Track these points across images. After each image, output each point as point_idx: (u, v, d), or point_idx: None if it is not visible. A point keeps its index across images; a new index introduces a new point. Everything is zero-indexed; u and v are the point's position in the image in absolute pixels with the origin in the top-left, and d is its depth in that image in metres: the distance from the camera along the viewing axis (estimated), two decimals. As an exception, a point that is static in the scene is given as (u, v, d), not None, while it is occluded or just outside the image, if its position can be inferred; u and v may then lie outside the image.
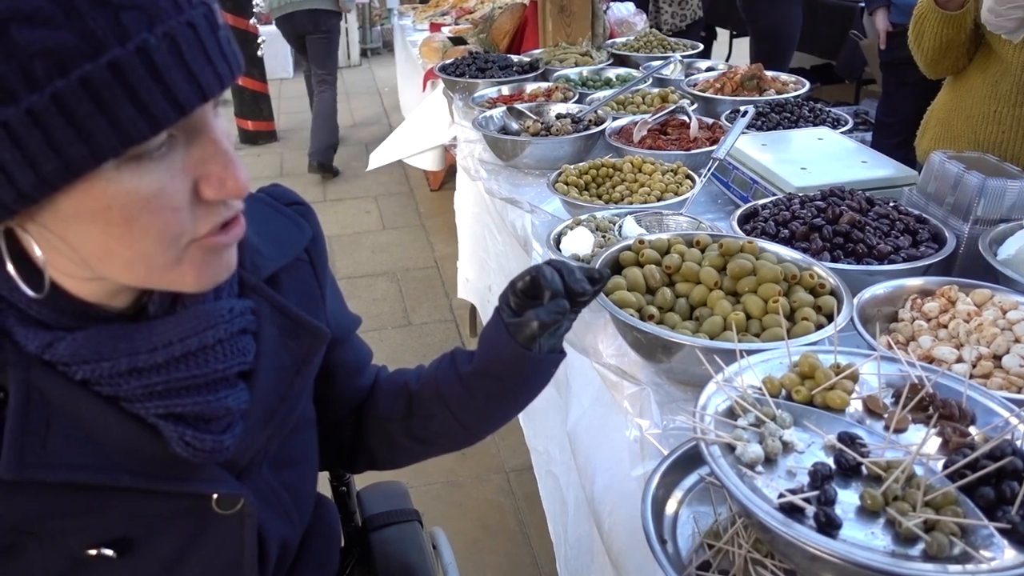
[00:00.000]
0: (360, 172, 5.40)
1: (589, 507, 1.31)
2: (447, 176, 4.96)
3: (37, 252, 0.63)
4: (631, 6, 3.50)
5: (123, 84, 0.54)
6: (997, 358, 1.06)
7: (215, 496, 0.77)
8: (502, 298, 0.92)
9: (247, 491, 0.79)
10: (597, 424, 1.47)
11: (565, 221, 1.57)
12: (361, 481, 1.21)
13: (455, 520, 2.41)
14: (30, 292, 0.64)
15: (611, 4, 3.36)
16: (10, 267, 0.64)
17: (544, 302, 0.89)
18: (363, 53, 9.38)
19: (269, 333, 0.80)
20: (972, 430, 0.87)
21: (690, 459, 0.97)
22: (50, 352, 0.66)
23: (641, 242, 1.25)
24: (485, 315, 2.76)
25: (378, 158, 3.75)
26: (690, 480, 0.97)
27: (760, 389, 0.91)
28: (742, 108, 2.04)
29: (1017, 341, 1.07)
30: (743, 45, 5.39)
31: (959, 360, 1.08)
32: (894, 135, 3.30)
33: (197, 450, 0.72)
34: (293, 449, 0.89)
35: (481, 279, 2.73)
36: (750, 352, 0.95)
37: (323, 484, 1.15)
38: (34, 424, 0.67)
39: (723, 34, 6.20)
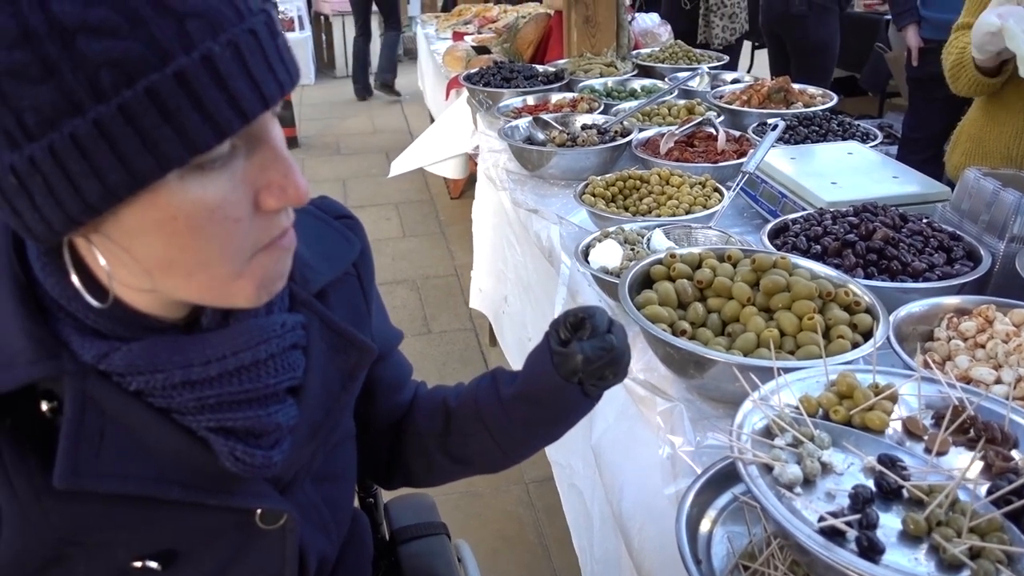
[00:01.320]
0: (381, 179, 5.42)
1: (616, 523, 1.30)
2: (467, 184, 4.96)
3: (102, 263, 0.63)
4: (656, 17, 3.50)
5: (188, 93, 0.54)
6: (1037, 379, 1.04)
7: (259, 511, 0.77)
8: (552, 325, 0.92)
9: (290, 506, 0.79)
10: (623, 439, 1.46)
11: (592, 233, 1.56)
12: (388, 493, 1.21)
13: (474, 531, 2.40)
14: (94, 303, 0.64)
15: (636, 15, 3.36)
16: (74, 278, 0.64)
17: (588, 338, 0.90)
18: (384, 61, 9.41)
19: (318, 348, 0.80)
20: (1015, 454, 0.86)
21: (724, 478, 0.96)
22: (105, 362, 0.66)
23: (672, 256, 1.24)
24: (498, 326, 2.75)
25: (400, 165, 3.76)
26: (724, 499, 0.95)
27: (797, 408, 0.90)
28: (772, 121, 2.03)
29: (1058, 363, 1.05)
30: (764, 56, 5.37)
31: (998, 381, 1.06)
32: (921, 150, 3.28)
33: (246, 465, 0.72)
34: (334, 464, 0.89)
35: (497, 290, 2.72)
36: (787, 370, 0.94)
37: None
38: (89, 434, 0.67)
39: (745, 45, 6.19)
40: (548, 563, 2.29)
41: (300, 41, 8.19)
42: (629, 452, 1.41)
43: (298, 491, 0.83)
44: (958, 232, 1.41)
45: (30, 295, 0.66)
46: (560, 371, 0.89)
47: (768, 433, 0.87)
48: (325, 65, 9.18)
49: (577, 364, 0.88)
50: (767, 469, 0.81)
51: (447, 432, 0.99)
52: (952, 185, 1.69)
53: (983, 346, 1.12)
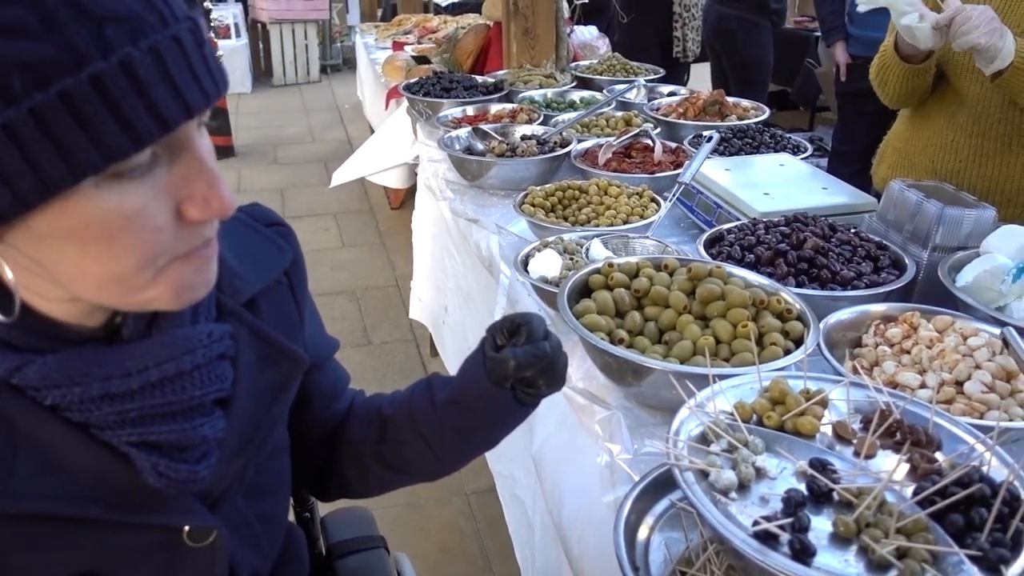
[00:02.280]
0: (320, 189, 5.36)
1: (557, 532, 1.30)
2: (408, 195, 4.94)
3: (8, 275, 0.60)
4: (594, 30, 3.54)
5: (105, 99, 0.53)
6: (959, 384, 1.08)
7: (187, 528, 0.74)
8: (489, 330, 0.92)
9: (220, 523, 0.76)
10: (563, 448, 1.46)
11: (532, 243, 1.57)
12: (325, 507, 1.19)
13: (416, 543, 2.38)
14: (1, 316, 0.62)
15: (575, 27, 3.39)
16: None
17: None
18: (323, 69, 9.33)
19: (247, 359, 0.77)
20: (939, 456, 0.88)
21: (661, 484, 0.97)
22: (18, 376, 0.63)
23: (611, 265, 1.25)
24: (438, 337, 2.74)
25: (342, 175, 3.73)
26: (661, 506, 0.96)
27: (732, 415, 0.91)
28: (708, 133, 2.07)
29: (978, 367, 1.09)
30: (699, 70, 5.48)
31: (922, 386, 1.09)
32: (850, 163, 3.38)
33: (171, 480, 0.69)
34: (267, 478, 0.87)
35: (437, 300, 2.71)
36: (722, 377, 0.95)
37: (286, 510, 1.12)
38: (0, 451, 0.64)
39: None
40: (490, 574, 2.28)
41: (237, 49, 8.06)
42: (569, 461, 1.42)
43: (229, 506, 0.80)
44: (884, 242, 1.46)
45: None
46: (491, 376, 0.89)
47: (704, 439, 0.88)
48: (262, 73, 9.06)
49: (508, 370, 0.87)
50: (703, 475, 0.82)
51: (382, 440, 0.98)
52: (879, 196, 1.74)
53: (908, 352, 1.16)
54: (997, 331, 1.15)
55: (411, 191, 4.70)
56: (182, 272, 0.64)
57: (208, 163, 0.62)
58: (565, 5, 3.12)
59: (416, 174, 4.21)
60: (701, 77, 5.79)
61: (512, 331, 0.91)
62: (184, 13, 0.58)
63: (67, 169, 0.53)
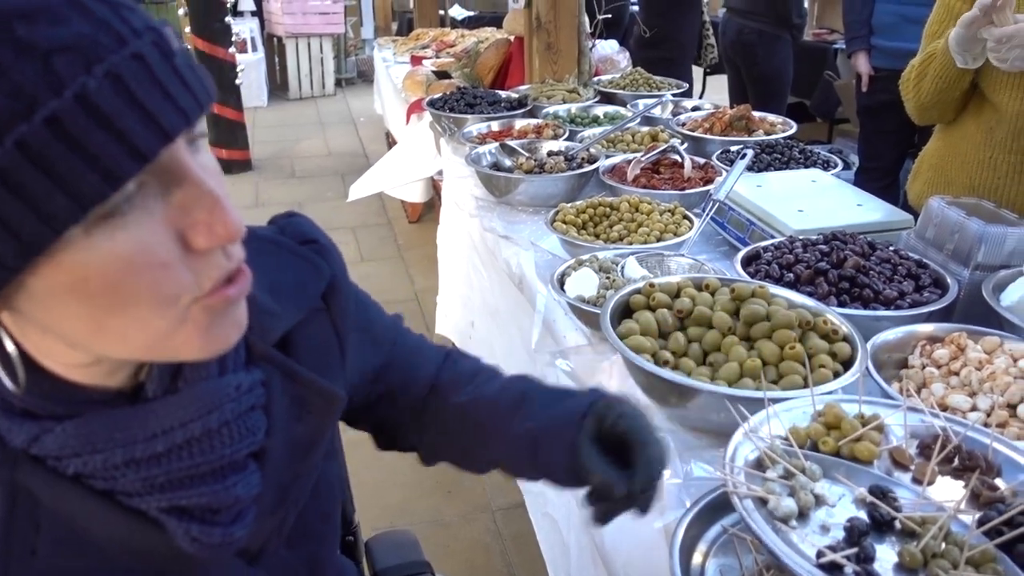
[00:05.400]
0: (337, 202, 5.37)
1: (599, 555, 1.28)
2: (425, 208, 4.95)
3: (9, 346, 0.57)
4: (615, 44, 3.54)
5: (65, 140, 0.47)
6: (1012, 407, 1.06)
7: None
8: (595, 415, 0.85)
9: (263, 575, 0.74)
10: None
11: (566, 261, 1.56)
12: (368, 530, 1.18)
13: (442, 562, 2.36)
14: (9, 384, 0.58)
15: (596, 42, 3.40)
16: None
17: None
18: (338, 83, 9.38)
19: (280, 405, 0.72)
20: (999, 483, 0.87)
21: (712, 509, 0.95)
22: (37, 446, 0.59)
23: (651, 285, 1.24)
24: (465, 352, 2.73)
25: (360, 189, 3.74)
26: (713, 531, 0.95)
27: (786, 439, 0.90)
28: (736, 149, 2.06)
29: (1031, 389, 1.07)
30: (713, 81, 5.48)
31: (973, 408, 1.08)
32: (878, 179, 3.36)
33: (204, 545, 0.65)
34: (310, 521, 0.82)
35: (463, 316, 2.71)
36: (775, 400, 0.94)
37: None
38: (21, 529, 0.61)
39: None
40: (516, 592, 2.27)
41: (253, 63, 8.13)
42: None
43: (270, 558, 0.76)
44: (924, 260, 1.44)
45: None
46: (578, 470, 0.83)
47: (759, 465, 0.87)
48: (278, 87, 9.12)
49: (610, 492, 0.81)
50: (761, 502, 0.81)
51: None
52: (912, 212, 1.73)
53: (956, 373, 1.15)
54: (1047, 352, 1.14)
55: (429, 204, 4.72)
56: (209, 313, 0.58)
57: (206, 185, 0.55)
58: (586, 19, 3.12)
59: (434, 188, 4.24)
60: (715, 88, 5.79)
61: (617, 442, 0.83)
62: (145, 24, 0.52)
63: (44, 225, 0.48)
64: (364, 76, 9.77)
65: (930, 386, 1.14)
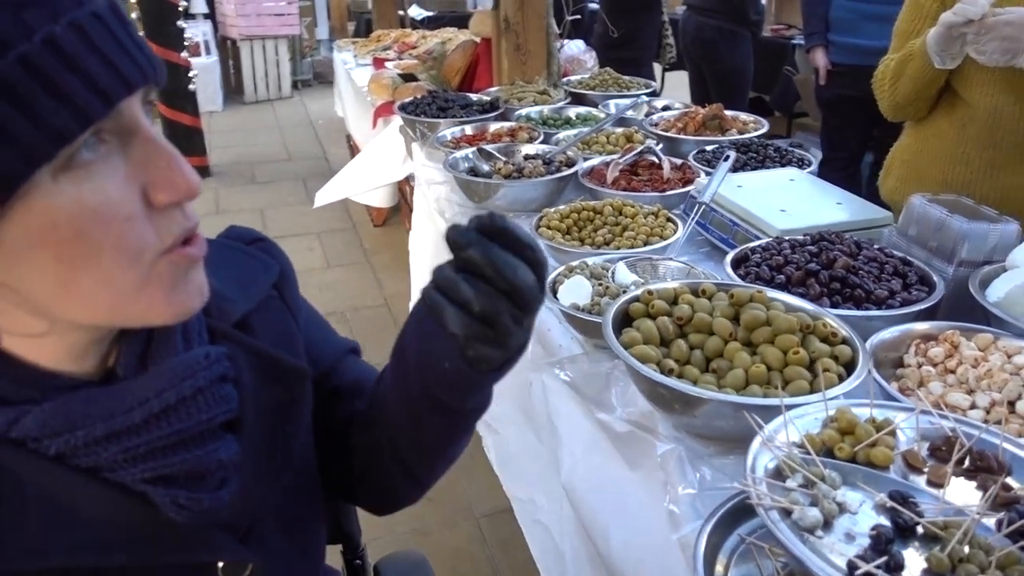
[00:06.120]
0: (300, 208, 5.31)
1: (602, 563, 1.28)
2: (391, 212, 4.90)
3: None
4: (581, 44, 3.54)
5: (38, 78, 0.52)
6: (1011, 404, 1.08)
7: (220, 565, 0.72)
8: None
9: (254, 556, 0.74)
10: (597, 475, 1.44)
11: (554, 268, 1.56)
12: (376, 552, 1.16)
13: (428, 570, 2.34)
14: None
15: (565, 42, 3.40)
16: None
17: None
18: (294, 85, 9.26)
19: (248, 379, 0.76)
20: (1010, 482, 0.88)
21: (727, 518, 0.96)
22: (16, 429, 0.61)
23: (650, 293, 1.23)
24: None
25: (326, 195, 3.68)
26: (731, 541, 0.95)
27: (802, 447, 0.90)
28: (720, 151, 2.08)
29: (1027, 386, 1.09)
30: (671, 79, 5.52)
31: (973, 406, 1.09)
32: (839, 169, 3.43)
33: (194, 512, 0.67)
34: (298, 509, 0.85)
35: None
36: (789, 407, 0.94)
37: (334, 556, 1.09)
38: (7, 511, 0.62)
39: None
40: (506, 599, 2.26)
41: (207, 66, 7.98)
42: (604, 489, 1.40)
43: (261, 539, 0.77)
44: (908, 258, 1.46)
45: None
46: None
47: (778, 474, 0.87)
48: (233, 91, 8.97)
49: (447, 322, 0.67)
50: (785, 513, 0.81)
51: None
52: (884, 207, 1.75)
53: (953, 371, 1.16)
54: (1039, 348, 1.16)
55: (395, 208, 4.68)
56: (173, 270, 0.62)
57: (162, 143, 0.60)
58: (553, 20, 3.11)
59: (400, 192, 4.20)
60: (673, 86, 5.83)
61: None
62: None
63: (18, 159, 0.52)
64: (320, 78, 9.67)
65: (928, 385, 1.15)
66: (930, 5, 1.78)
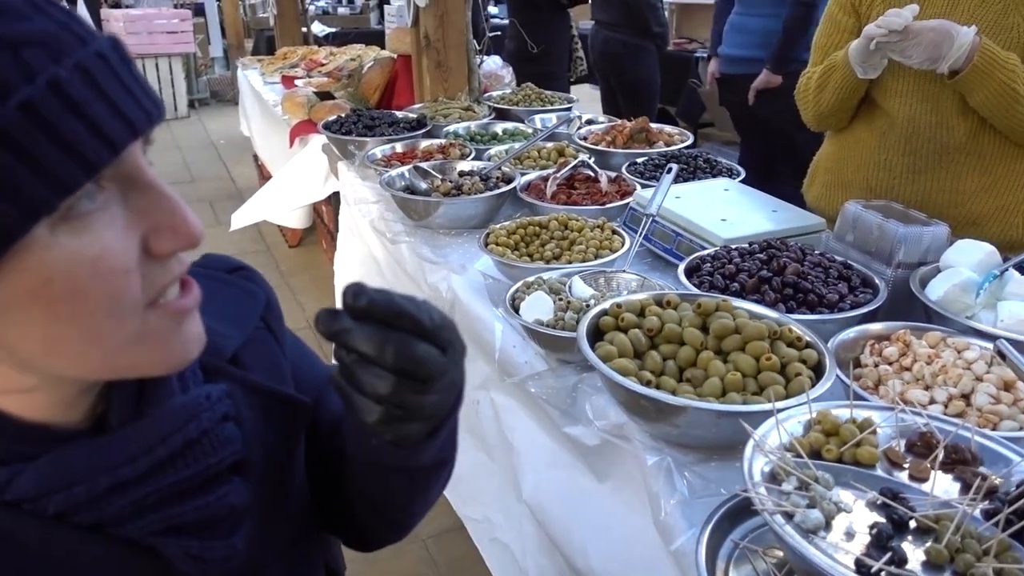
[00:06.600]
0: (210, 231, 5.12)
1: (581, 578, 1.28)
2: (305, 232, 4.80)
3: None
4: (498, 59, 3.57)
5: (40, 125, 0.48)
6: (965, 397, 1.14)
7: None
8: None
9: None
10: (563, 490, 1.45)
11: (507, 284, 1.56)
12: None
13: (378, 598, 2.30)
14: None
15: (484, 58, 3.41)
16: None
17: None
18: (191, 104, 8.97)
19: (248, 416, 0.73)
20: (983, 471, 0.93)
21: (720, 524, 0.97)
22: (11, 491, 0.58)
23: (619, 306, 1.25)
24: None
25: (243, 217, 3.57)
26: (726, 548, 0.97)
27: (792, 450, 0.93)
28: (641, 160, 2.12)
29: (979, 380, 1.15)
30: (578, 91, 5.62)
31: (932, 401, 1.15)
32: (752, 173, 3.59)
33: (207, 562, 0.65)
34: (301, 548, 0.83)
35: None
36: (778, 411, 0.97)
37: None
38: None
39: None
40: (460, 620, 2.23)
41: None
42: (574, 502, 1.40)
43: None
44: (848, 262, 1.53)
45: None
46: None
47: (773, 478, 0.89)
48: (126, 111, 8.61)
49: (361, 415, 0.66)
50: (787, 516, 0.83)
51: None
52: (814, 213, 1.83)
53: (909, 369, 1.22)
54: (983, 343, 1.23)
55: (310, 228, 4.58)
56: (166, 323, 0.59)
57: (166, 190, 0.57)
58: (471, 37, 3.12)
59: (316, 212, 4.11)
60: (583, 99, 5.93)
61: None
62: (100, 34, 0.55)
63: (17, 212, 0.48)
64: (218, 96, 9.40)
65: (886, 383, 1.20)
66: (846, 20, 1.88)
